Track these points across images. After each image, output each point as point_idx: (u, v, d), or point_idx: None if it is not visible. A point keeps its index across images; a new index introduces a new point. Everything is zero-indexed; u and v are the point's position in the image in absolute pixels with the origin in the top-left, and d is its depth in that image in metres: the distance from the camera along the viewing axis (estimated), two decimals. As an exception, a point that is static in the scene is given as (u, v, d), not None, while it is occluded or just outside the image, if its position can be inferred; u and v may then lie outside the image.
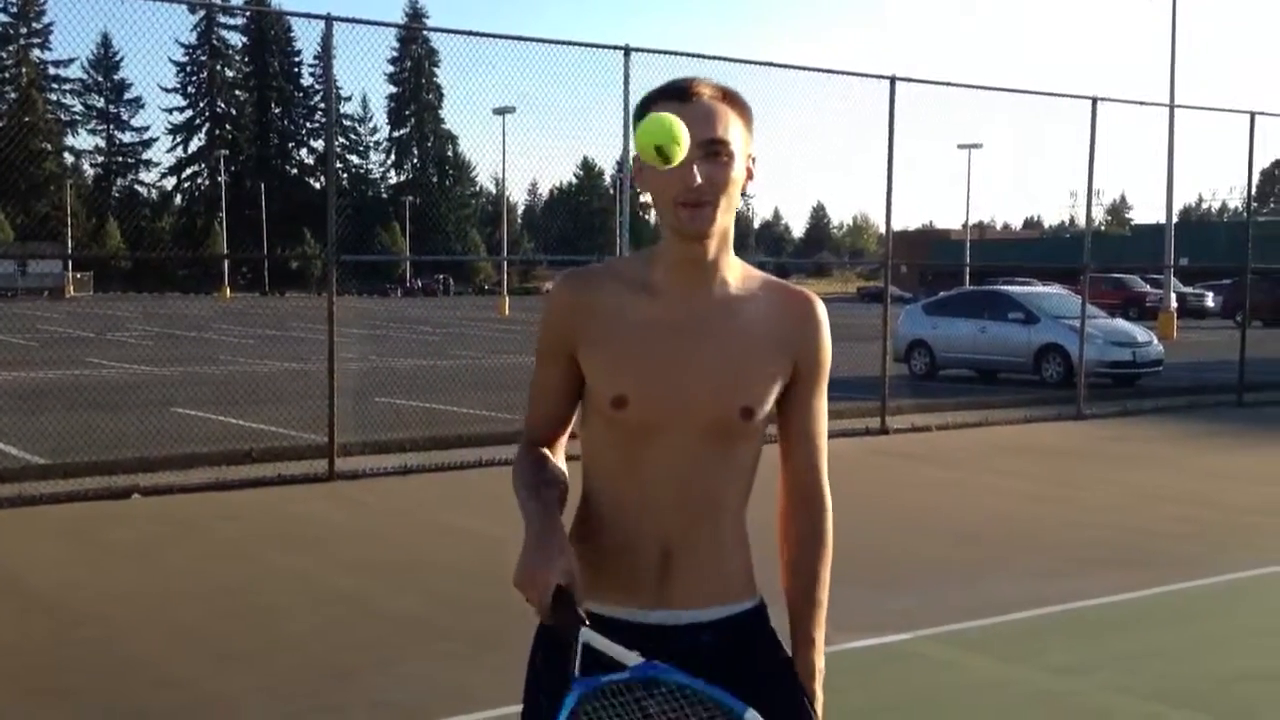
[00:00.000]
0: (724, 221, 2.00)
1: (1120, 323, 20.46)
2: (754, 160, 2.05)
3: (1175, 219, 33.98)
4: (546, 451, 2.16)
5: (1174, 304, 34.31)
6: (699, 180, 1.94)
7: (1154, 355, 18.93)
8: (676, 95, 1.97)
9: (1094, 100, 14.87)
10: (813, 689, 2.12)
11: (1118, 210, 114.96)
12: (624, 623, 2.02)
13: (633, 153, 1.96)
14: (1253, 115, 16.69)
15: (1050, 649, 5.81)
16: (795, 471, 2.18)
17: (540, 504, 2.01)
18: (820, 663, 2.14)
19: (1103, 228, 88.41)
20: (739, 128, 2.00)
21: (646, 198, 2.08)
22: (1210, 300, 45.56)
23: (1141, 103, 17.09)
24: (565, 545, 1.93)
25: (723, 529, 2.10)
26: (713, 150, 1.95)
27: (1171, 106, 22.67)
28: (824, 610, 2.16)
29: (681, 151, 1.89)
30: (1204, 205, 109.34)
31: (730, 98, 2.01)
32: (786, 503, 2.19)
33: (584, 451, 2.12)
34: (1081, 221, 17.97)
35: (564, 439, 2.21)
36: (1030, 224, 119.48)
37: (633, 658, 1.86)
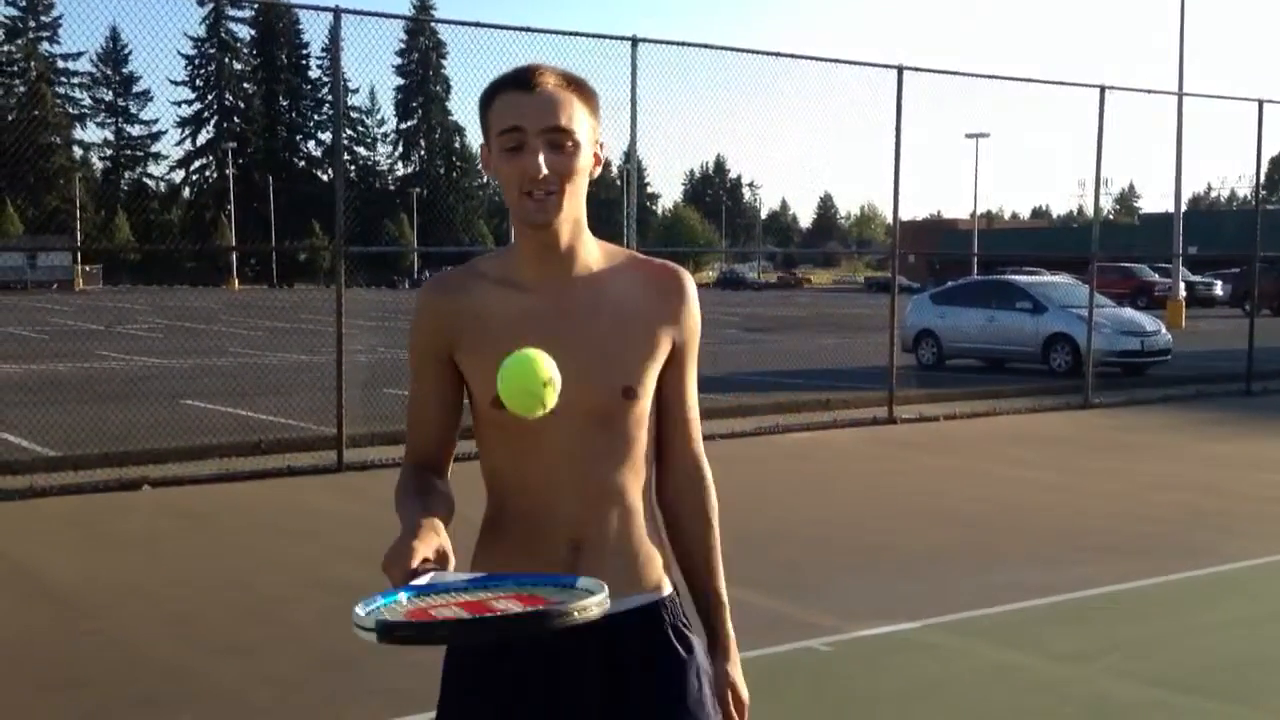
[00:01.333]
0: (571, 209, 1.99)
1: (1128, 312, 20.42)
2: (602, 146, 2.04)
3: (1184, 207, 33.89)
4: (433, 477, 2.10)
5: (1183, 293, 34.23)
6: (545, 171, 1.94)
7: (1162, 344, 18.90)
8: (519, 84, 1.96)
9: (1102, 89, 14.82)
10: (727, 646, 2.19)
11: (1126, 199, 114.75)
12: None
13: (478, 139, 1.95)
14: (1261, 103, 16.63)
15: (1056, 637, 5.83)
16: (674, 451, 2.16)
17: (418, 507, 1.94)
18: (728, 626, 2.19)
19: (1111, 217, 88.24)
20: (584, 115, 1.99)
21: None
22: (1219, 289, 45.44)
23: (1149, 91, 17.05)
24: (438, 531, 1.85)
25: (628, 518, 2.08)
26: (555, 139, 1.95)
27: (1180, 95, 22.64)
28: (722, 577, 2.19)
29: (554, 393, 1.83)
30: (1213, 193, 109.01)
31: (575, 84, 1.99)
32: (668, 481, 2.17)
33: (481, 463, 2.11)
34: (1090, 211, 18.04)
35: (449, 461, 2.16)
36: (1038, 213, 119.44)
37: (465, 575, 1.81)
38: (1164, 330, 19.34)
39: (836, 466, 11.02)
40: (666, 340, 2.08)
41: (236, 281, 65.00)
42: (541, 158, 1.93)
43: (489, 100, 1.99)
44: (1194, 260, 42.49)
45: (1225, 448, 11.98)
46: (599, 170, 2.05)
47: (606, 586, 1.74)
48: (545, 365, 1.83)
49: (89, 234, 68.62)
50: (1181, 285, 34.69)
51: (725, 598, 2.20)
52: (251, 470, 9.98)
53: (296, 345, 21.88)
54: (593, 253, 2.07)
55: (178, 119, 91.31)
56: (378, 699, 4.98)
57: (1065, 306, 18.68)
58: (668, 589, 2.14)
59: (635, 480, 2.09)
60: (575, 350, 1.98)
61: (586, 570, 1.96)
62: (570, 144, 1.96)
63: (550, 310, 2.02)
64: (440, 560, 1.80)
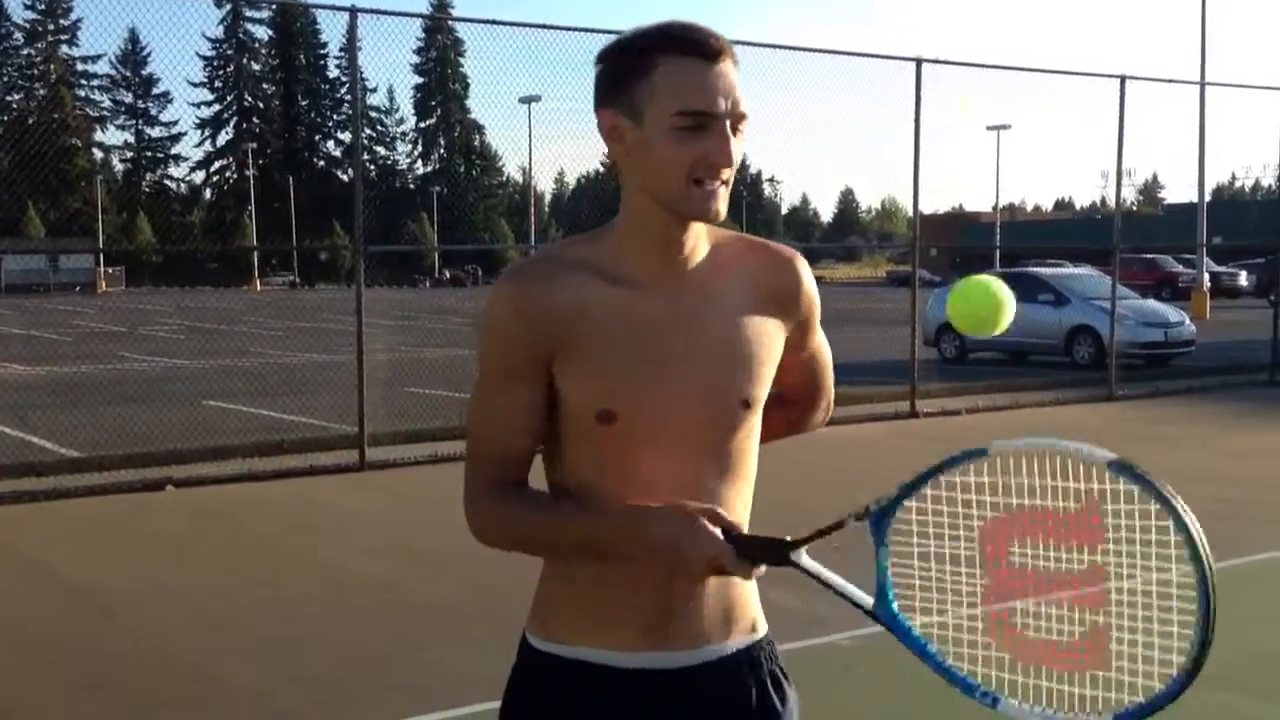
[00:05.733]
0: None
1: (1152, 303, 20.33)
2: None
3: (1208, 198, 33.66)
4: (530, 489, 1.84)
5: (1207, 283, 34.01)
6: (735, 161, 1.69)
7: (1186, 335, 18.81)
8: (698, 49, 1.67)
9: (1122, 79, 14.73)
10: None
11: (1150, 190, 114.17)
12: (604, 668, 1.79)
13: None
14: (1284, 92, 16.54)
15: (1081, 631, 5.78)
16: (809, 378, 2.04)
17: (588, 506, 1.76)
18: None
19: (1134, 208, 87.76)
20: None
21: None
22: (1244, 279, 45.13)
23: (1170, 80, 16.94)
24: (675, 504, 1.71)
25: None
26: (739, 125, 1.70)
27: (1202, 84, 22.47)
28: None
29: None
30: (1237, 183, 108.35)
31: (734, 56, 1.72)
32: (799, 399, 2.07)
33: (554, 475, 1.83)
34: (1113, 202, 17.94)
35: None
36: (1061, 205, 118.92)
37: (867, 601, 1.80)
38: (1188, 321, 19.24)
39: (858, 460, 10.98)
40: (781, 335, 1.86)
41: (258, 282, 65.25)
42: (732, 145, 1.68)
43: (649, 60, 1.67)
44: (1218, 251, 42.17)
45: (1249, 439, 11.90)
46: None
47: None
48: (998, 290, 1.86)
49: (111, 236, 69.06)
50: (1206, 276, 34.48)
51: None
52: (274, 470, 10.02)
53: (318, 345, 21.94)
54: (704, 242, 1.80)
55: (197, 120, 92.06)
56: (403, 697, 4.99)
57: (1088, 298, 18.58)
58: (763, 630, 1.89)
59: (742, 500, 1.85)
60: (693, 362, 1.76)
61: (679, 612, 1.78)
62: (743, 128, 1.72)
63: (668, 314, 1.75)
64: (718, 517, 1.70)
